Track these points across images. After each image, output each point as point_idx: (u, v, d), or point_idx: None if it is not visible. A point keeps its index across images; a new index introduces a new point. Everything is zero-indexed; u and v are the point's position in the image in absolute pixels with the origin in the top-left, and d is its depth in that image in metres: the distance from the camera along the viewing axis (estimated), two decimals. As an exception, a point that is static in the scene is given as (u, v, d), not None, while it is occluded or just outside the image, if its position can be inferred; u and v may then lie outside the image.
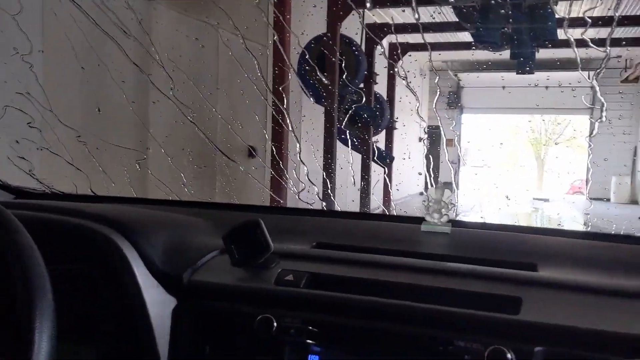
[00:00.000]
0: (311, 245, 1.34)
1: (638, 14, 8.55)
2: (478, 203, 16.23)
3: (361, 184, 6.46)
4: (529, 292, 1.07)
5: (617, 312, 1.03)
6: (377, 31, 6.31)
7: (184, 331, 1.17)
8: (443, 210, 1.33)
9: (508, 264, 1.19)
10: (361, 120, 6.19)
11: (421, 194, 17.18)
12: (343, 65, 5.92)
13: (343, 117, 6.32)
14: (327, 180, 5.26)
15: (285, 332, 1.10)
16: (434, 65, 17.15)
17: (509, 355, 0.97)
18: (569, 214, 14.59)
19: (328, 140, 5.24)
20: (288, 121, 4.11)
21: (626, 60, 15.14)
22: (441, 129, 18.80)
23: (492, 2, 4.72)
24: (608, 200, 16.84)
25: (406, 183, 15.21)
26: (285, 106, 4.16)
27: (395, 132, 13.98)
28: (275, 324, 1.09)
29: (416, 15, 3.88)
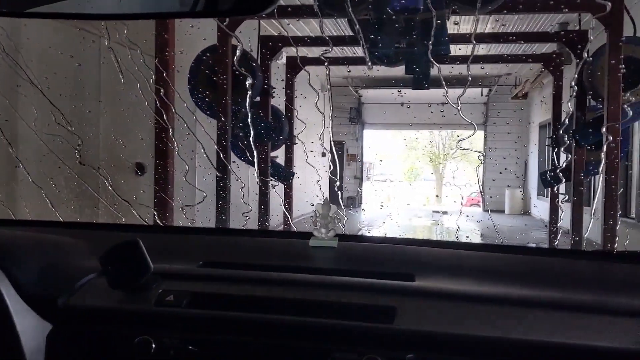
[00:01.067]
0: (198, 264, 1.33)
1: (526, 30, 8.96)
2: (381, 217, 16.54)
3: (259, 201, 6.24)
4: (404, 301, 1.11)
5: (488, 317, 1.07)
6: (272, 44, 6.14)
7: (60, 356, 1.13)
8: (330, 225, 1.37)
9: (388, 275, 1.23)
10: (257, 135, 5.98)
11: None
12: (237, 78, 5.69)
13: (238, 132, 6.08)
14: (221, 197, 5.01)
15: (164, 353, 1.08)
16: (335, 82, 17.30)
17: None
18: (466, 225, 15.08)
19: (221, 155, 4.99)
20: (172, 138, 3.83)
21: (516, 77, 15.92)
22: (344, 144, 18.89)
23: (386, 16, 4.66)
24: (503, 211, 17.58)
25: (312, 199, 15.20)
26: (167, 122, 3.89)
27: (301, 147, 13.97)
28: (153, 345, 1.07)
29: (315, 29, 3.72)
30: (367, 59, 6.47)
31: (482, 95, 18.02)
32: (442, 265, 1.33)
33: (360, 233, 11.42)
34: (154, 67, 4.33)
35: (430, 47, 4.65)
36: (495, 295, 1.15)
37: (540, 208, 15.74)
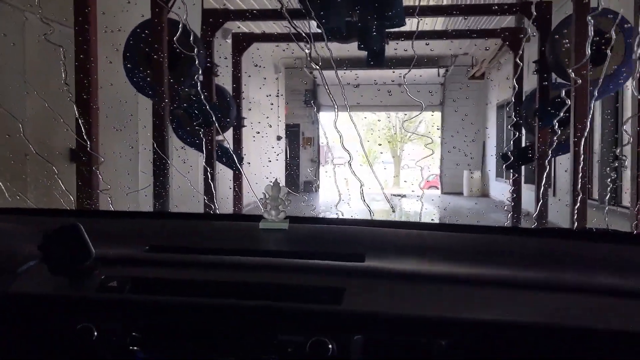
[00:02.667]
0: (144, 249, 1.29)
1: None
2: (338, 201, 16.20)
3: (205, 185, 5.77)
4: (353, 282, 1.10)
5: (438, 297, 1.07)
6: (215, 18, 5.63)
7: (0, 344, 1.12)
8: (280, 207, 1.35)
9: (338, 256, 1.22)
10: (201, 117, 5.50)
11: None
12: (177, 55, 5.20)
13: (180, 114, 5.60)
14: (160, 180, 4.54)
15: (106, 339, 1.07)
16: (288, 63, 16.81)
17: (330, 346, 1.01)
18: (424, 210, 14.92)
19: (158, 137, 4.51)
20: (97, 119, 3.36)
21: (472, 57, 15.72)
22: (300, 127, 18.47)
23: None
24: (461, 193, 17.48)
25: (266, 183, 14.77)
26: (92, 103, 3.40)
27: (257, 131, 13.48)
28: (95, 332, 1.07)
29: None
30: (322, 36, 6.04)
31: (439, 75, 17.80)
32: (392, 245, 1.32)
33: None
34: (75, 43, 3.82)
35: (384, 19, 4.24)
36: (445, 274, 1.15)
37: (498, 190, 15.67)
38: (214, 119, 5.51)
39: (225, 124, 6.34)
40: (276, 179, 1.45)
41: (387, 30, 6.41)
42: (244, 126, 6.81)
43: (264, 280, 1.13)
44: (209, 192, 5.84)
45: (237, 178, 6.64)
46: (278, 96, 16.61)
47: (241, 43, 6.54)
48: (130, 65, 5.08)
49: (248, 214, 1.55)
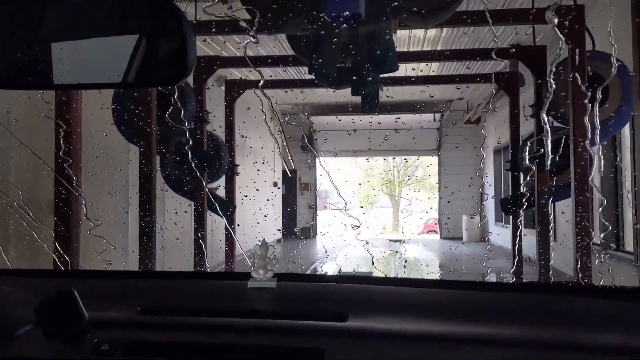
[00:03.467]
0: (134, 311, 1.30)
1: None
2: (336, 248, 15.99)
3: (194, 238, 5.61)
4: (334, 342, 1.11)
5: (421, 356, 1.08)
6: (207, 64, 5.57)
7: None
8: (268, 265, 1.37)
9: (322, 315, 1.23)
10: (192, 165, 5.37)
11: (279, 241, 16.68)
12: (166, 102, 5.11)
13: (171, 162, 5.48)
14: (146, 237, 4.37)
15: None
16: (285, 109, 16.85)
17: None
18: (424, 255, 14.66)
19: (145, 188, 4.36)
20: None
21: (467, 102, 15.77)
22: (297, 173, 18.38)
23: (326, 31, 4.14)
24: (460, 239, 17.27)
25: (264, 231, 14.57)
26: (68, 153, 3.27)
27: (250, 177, 13.38)
28: None
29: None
30: (315, 81, 6.00)
31: (434, 120, 17.84)
32: (377, 303, 1.32)
33: (313, 268, 10.83)
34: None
35: (377, 64, 4.15)
36: (430, 333, 1.15)
37: (498, 235, 15.48)
38: (204, 166, 5.38)
39: (218, 172, 6.21)
40: (264, 238, 1.50)
41: (380, 75, 6.38)
42: (237, 174, 6.69)
43: (250, 342, 1.15)
44: (199, 246, 5.71)
45: (230, 228, 6.48)
46: (273, 142, 16.60)
47: (234, 90, 6.48)
48: (119, 115, 4.99)
49: (237, 272, 1.62)
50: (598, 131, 4.49)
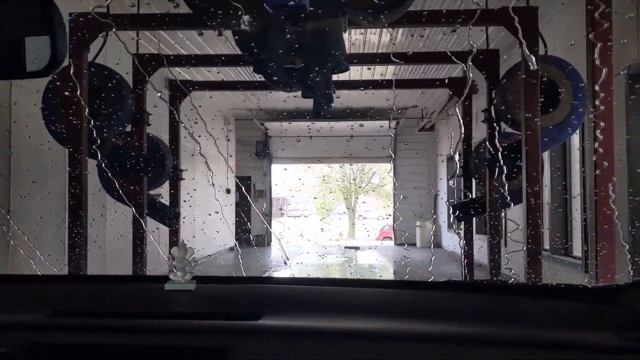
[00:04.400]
0: (46, 314, 1.24)
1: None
2: (291, 256, 15.73)
3: (133, 247, 5.29)
4: (243, 340, 1.11)
5: (335, 354, 1.07)
6: (148, 63, 5.27)
7: None
8: (187, 268, 1.37)
9: (236, 315, 1.23)
10: (128, 169, 5.06)
11: (232, 249, 16.31)
12: (101, 101, 4.80)
13: (107, 164, 5.15)
14: (75, 239, 4.06)
15: None
16: (239, 114, 16.54)
17: None
18: (378, 261, 14.55)
19: (74, 191, 4.05)
20: None
21: (422, 109, 15.79)
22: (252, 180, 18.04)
23: (271, 27, 3.92)
24: (414, 244, 17.26)
25: (216, 239, 14.19)
26: None
27: (203, 184, 13.02)
28: None
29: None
30: (266, 84, 5.76)
31: (390, 127, 17.81)
32: (294, 303, 1.34)
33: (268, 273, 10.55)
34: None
35: (327, 64, 3.96)
36: (345, 330, 1.15)
37: (451, 241, 15.51)
38: (143, 170, 5.07)
39: (160, 176, 5.90)
40: (182, 240, 1.63)
41: (333, 79, 6.20)
42: (182, 179, 6.39)
43: (159, 343, 1.13)
44: (138, 251, 5.39)
45: (174, 234, 6.17)
46: (227, 148, 16.26)
47: (179, 91, 6.19)
48: (49, 115, 4.65)
49: (155, 275, 1.61)
50: (550, 137, 4.40)
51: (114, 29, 4.20)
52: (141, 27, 4.87)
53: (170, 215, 5.86)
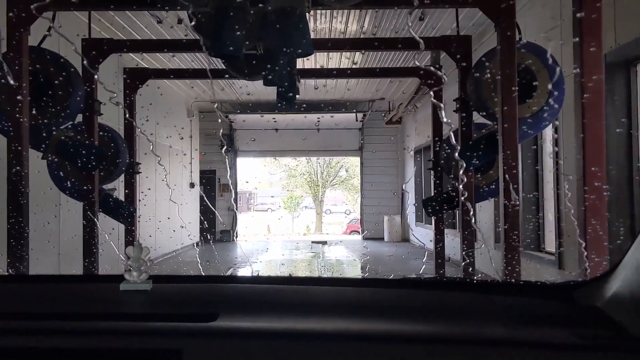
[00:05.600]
0: None
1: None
2: (257, 251, 15.42)
3: (84, 245, 4.92)
4: (197, 342, 1.08)
5: (291, 354, 1.05)
6: (99, 48, 4.88)
7: None
8: (143, 267, 1.35)
9: (191, 316, 1.21)
10: (78, 162, 4.69)
11: (196, 245, 15.90)
12: (48, 88, 4.43)
13: (52, 157, 4.77)
14: (16, 238, 3.70)
15: None
16: (203, 106, 16.09)
17: None
18: (346, 257, 14.32)
19: (14, 186, 3.69)
20: None
21: (389, 102, 15.59)
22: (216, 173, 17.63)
23: (229, 8, 3.61)
24: (382, 239, 17.10)
25: (179, 234, 13.78)
26: None
27: (164, 179, 12.58)
28: None
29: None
30: (225, 73, 5.40)
31: (356, 120, 17.59)
32: (251, 302, 1.32)
33: (230, 273, 10.22)
34: None
35: (289, 46, 3.65)
36: (304, 330, 1.13)
37: (419, 235, 15.38)
38: (94, 164, 4.70)
39: (115, 170, 5.52)
40: (137, 239, 1.49)
41: (297, 66, 5.89)
42: (139, 172, 6.01)
43: (112, 345, 1.08)
44: (88, 249, 5.02)
45: (130, 232, 5.80)
46: (190, 141, 15.81)
47: (135, 79, 5.80)
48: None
49: (109, 275, 1.59)
50: (525, 127, 4.19)
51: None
52: (89, 7, 4.48)
53: (125, 213, 5.49)
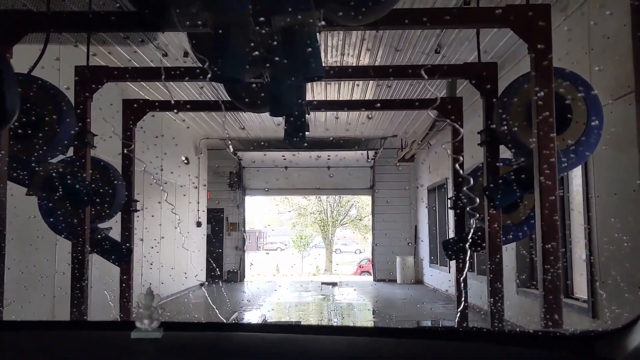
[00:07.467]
0: None
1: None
2: (265, 293, 14.85)
3: (72, 289, 4.48)
4: None
5: None
6: (92, 76, 4.52)
7: None
8: (154, 315, 1.32)
9: None
10: (68, 198, 4.30)
11: (202, 285, 15.39)
12: (36, 117, 4.07)
13: (48, 193, 4.38)
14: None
15: None
16: (212, 144, 15.81)
17: None
18: (357, 301, 13.72)
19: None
20: None
21: (402, 139, 15.22)
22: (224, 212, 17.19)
23: (228, 27, 3.23)
24: (394, 280, 16.49)
25: (186, 274, 13.33)
26: None
27: (171, 217, 12.19)
28: None
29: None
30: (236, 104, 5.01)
31: (368, 159, 17.22)
32: (263, 351, 1.30)
33: (235, 317, 9.70)
34: None
35: (298, 68, 3.26)
36: None
37: (433, 277, 14.78)
38: (86, 201, 4.30)
39: (111, 207, 5.11)
40: (150, 286, 1.46)
41: (307, 99, 5.52)
42: (136, 211, 5.59)
43: None
44: (77, 297, 4.57)
45: (126, 273, 5.36)
46: (199, 179, 15.48)
47: (134, 111, 5.44)
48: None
49: (120, 322, 1.81)
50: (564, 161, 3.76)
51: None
52: (80, 29, 4.14)
53: (119, 252, 5.06)
